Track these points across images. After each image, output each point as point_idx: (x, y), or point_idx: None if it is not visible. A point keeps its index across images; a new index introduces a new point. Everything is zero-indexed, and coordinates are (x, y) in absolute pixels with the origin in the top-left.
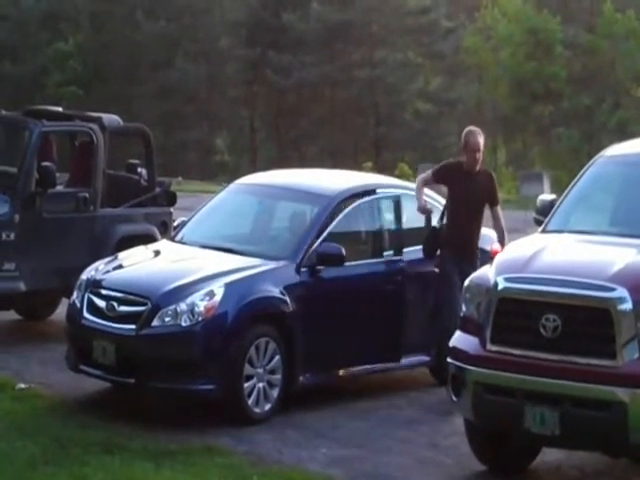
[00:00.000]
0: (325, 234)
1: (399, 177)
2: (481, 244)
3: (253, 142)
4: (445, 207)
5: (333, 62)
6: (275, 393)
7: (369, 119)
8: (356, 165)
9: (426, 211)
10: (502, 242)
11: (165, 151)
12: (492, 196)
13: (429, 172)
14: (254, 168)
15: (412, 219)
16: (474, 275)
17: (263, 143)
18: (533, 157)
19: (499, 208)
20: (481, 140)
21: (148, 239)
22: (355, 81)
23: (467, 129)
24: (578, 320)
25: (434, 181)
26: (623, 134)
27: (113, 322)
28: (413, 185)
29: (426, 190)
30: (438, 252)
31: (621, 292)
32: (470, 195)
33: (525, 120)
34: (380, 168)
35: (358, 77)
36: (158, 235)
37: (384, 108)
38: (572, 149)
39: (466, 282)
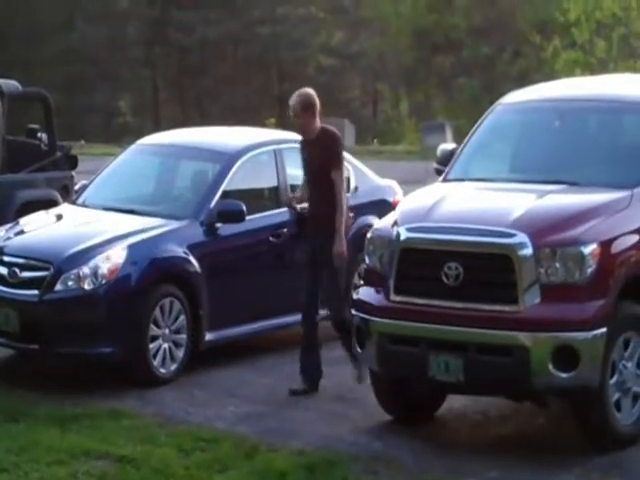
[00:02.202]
0: (227, 191)
1: None
2: (383, 195)
3: (156, 103)
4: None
5: (235, 19)
6: (181, 353)
7: (272, 75)
8: (260, 122)
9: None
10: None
11: (68, 115)
12: (328, 158)
13: None
14: (158, 129)
15: None
16: (376, 227)
17: (166, 103)
18: (435, 108)
19: (337, 174)
20: (298, 104)
21: (50, 204)
22: (258, 37)
23: None
24: (480, 267)
25: None
26: (524, 82)
27: (15, 288)
28: None
29: None
30: None
31: (521, 237)
32: (311, 164)
33: (427, 71)
34: (284, 124)
35: (261, 33)
36: (60, 199)
37: (287, 64)
38: (473, 98)
39: (368, 234)
